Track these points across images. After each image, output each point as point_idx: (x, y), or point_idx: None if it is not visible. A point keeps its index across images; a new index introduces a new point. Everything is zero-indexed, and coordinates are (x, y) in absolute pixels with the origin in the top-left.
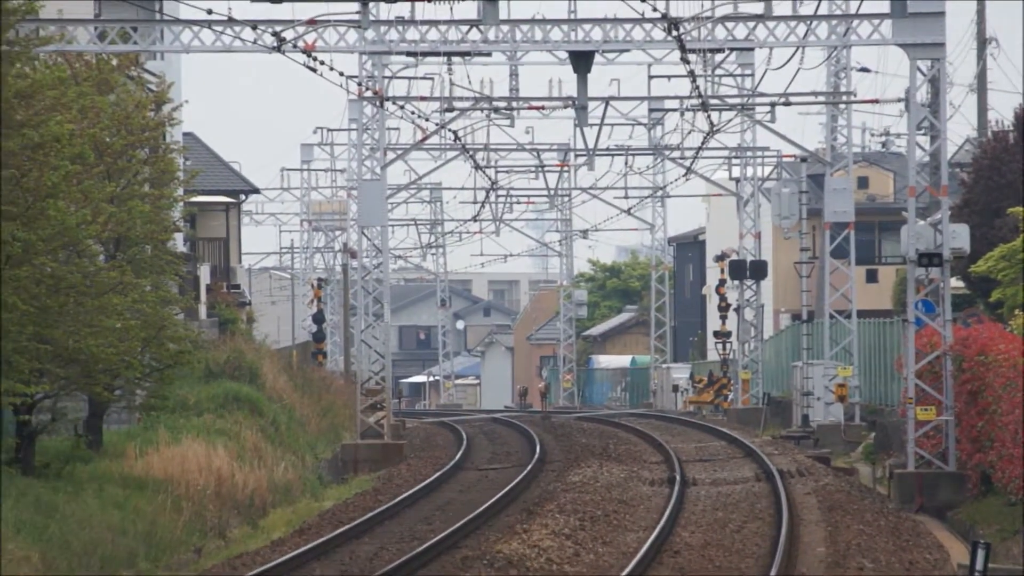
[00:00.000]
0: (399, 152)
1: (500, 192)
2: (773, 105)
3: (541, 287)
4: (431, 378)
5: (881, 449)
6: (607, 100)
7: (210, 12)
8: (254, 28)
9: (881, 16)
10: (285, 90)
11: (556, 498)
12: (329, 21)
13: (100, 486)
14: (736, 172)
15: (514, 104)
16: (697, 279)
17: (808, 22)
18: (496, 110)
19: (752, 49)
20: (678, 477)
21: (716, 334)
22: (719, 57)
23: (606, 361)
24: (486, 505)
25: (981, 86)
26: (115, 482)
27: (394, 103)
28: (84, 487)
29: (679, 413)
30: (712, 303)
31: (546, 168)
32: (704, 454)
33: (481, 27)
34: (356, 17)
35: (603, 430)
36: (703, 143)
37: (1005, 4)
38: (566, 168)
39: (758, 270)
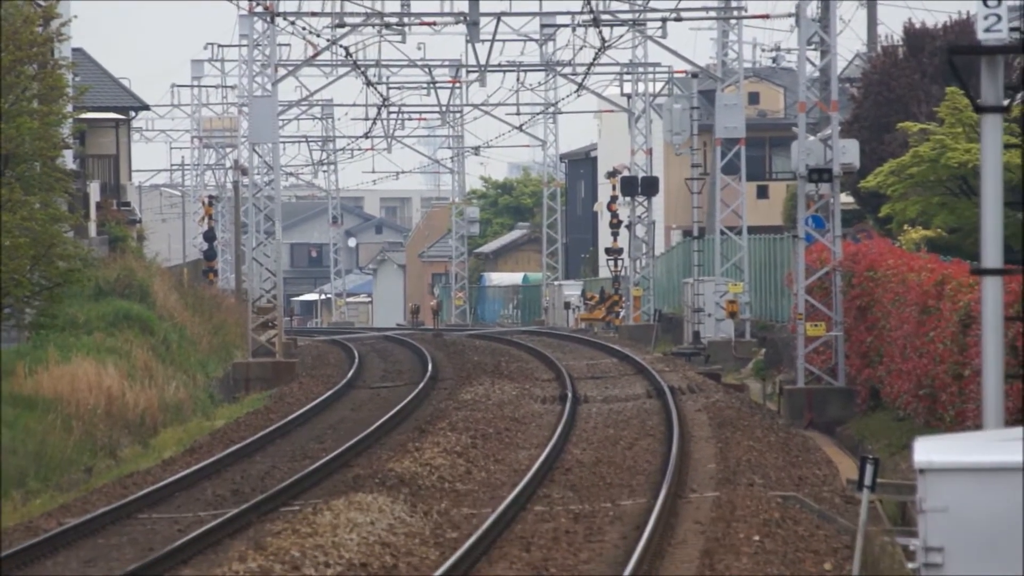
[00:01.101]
0: (290, 68)
1: (392, 109)
2: (664, 20)
3: (433, 204)
4: (323, 296)
5: (771, 365)
6: (499, 16)
7: None
8: None
9: None
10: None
11: (448, 416)
12: None
13: None
14: (628, 88)
15: (406, 20)
16: (589, 196)
17: None
18: (388, 26)
19: None
20: (570, 394)
21: (608, 251)
22: None
23: (498, 279)
24: (378, 423)
25: (871, 0)
26: (4, 401)
27: (285, 19)
28: None
29: (571, 330)
30: (604, 220)
31: (438, 84)
32: (596, 371)
33: None
34: None
35: (495, 348)
36: (595, 59)
37: None
38: (458, 84)
39: (649, 186)
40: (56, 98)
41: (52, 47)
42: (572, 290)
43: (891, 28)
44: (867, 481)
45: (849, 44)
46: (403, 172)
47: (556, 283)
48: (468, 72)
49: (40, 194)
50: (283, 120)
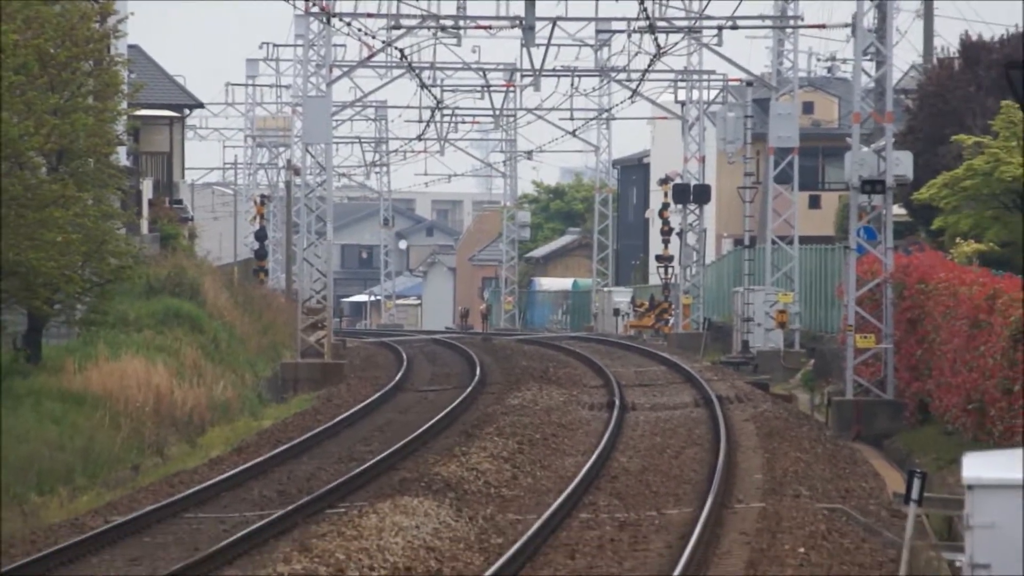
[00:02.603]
0: (345, 69)
1: (445, 111)
2: (720, 28)
3: (484, 208)
4: (372, 298)
5: (820, 376)
6: (555, 20)
7: None
8: None
9: None
10: (232, 4)
11: (495, 421)
12: None
13: (38, 400)
14: (682, 95)
15: (461, 23)
16: (640, 202)
17: None
18: (443, 28)
19: None
20: (617, 402)
21: (658, 258)
22: None
23: (548, 283)
24: (425, 427)
25: (927, 12)
26: (53, 397)
27: (341, 20)
28: (22, 401)
29: (620, 337)
30: (655, 227)
31: (492, 88)
32: (644, 379)
33: None
34: None
35: (543, 353)
36: (650, 65)
37: None
38: (512, 88)
39: (702, 194)
40: (111, 95)
41: (108, 44)
42: (622, 297)
43: (947, 40)
44: (914, 495)
45: (905, 55)
46: (455, 175)
47: (606, 289)
48: (522, 76)
49: (93, 190)
50: (336, 121)
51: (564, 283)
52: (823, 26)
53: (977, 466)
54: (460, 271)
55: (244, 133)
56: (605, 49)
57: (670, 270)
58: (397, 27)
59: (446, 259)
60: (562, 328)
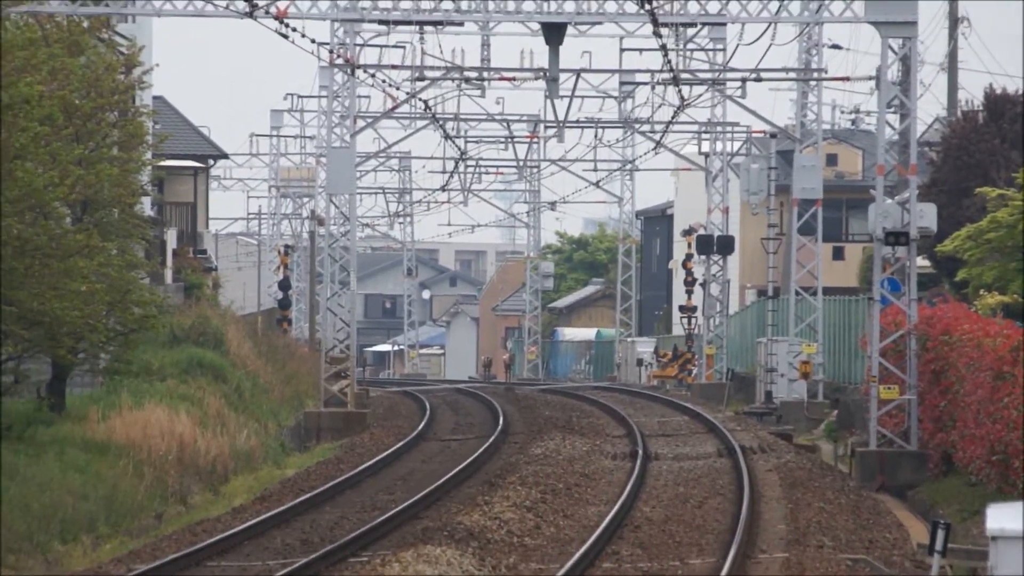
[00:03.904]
0: (369, 120)
1: (469, 162)
2: (744, 80)
3: (508, 258)
4: (396, 347)
5: (843, 427)
6: (578, 72)
7: None
8: None
9: None
10: (256, 56)
11: (518, 470)
12: None
13: (62, 449)
14: (705, 147)
15: (485, 74)
16: (664, 253)
17: None
18: (467, 80)
19: (724, 24)
20: (640, 451)
21: (682, 308)
22: (691, 31)
23: (571, 333)
24: (448, 476)
25: (952, 65)
26: (77, 446)
27: (365, 71)
28: (46, 450)
29: (643, 387)
30: (678, 277)
31: (515, 139)
32: (667, 429)
33: None
34: None
35: (566, 403)
36: (673, 117)
37: None
38: (535, 139)
39: (725, 245)
40: (136, 145)
41: (133, 95)
42: (645, 347)
43: (971, 93)
44: (938, 546)
45: (929, 108)
46: (479, 225)
47: (629, 339)
48: (546, 127)
49: (118, 240)
50: (360, 171)
51: (587, 333)
52: (847, 79)
53: (1001, 517)
54: (483, 321)
55: (268, 183)
56: (629, 101)
57: (693, 320)
58: (421, 78)
59: (469, 309)
60: (585, 378)
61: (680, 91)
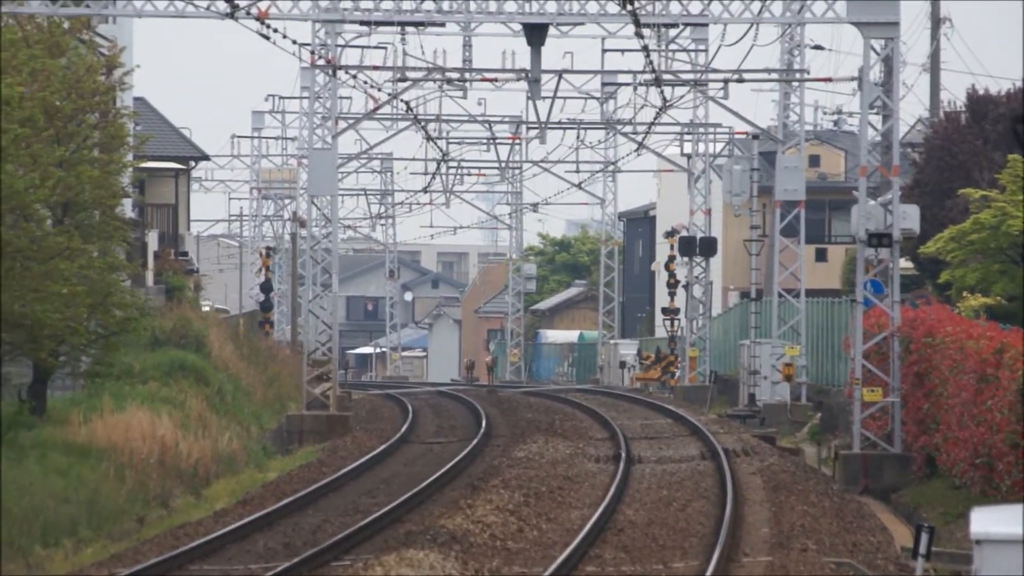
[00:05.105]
0: (351, 121)
1: (451, 163)
2: (726, 81)
3: (490, 260)
4: (378, 350)
5: (827, 430)
6: (560, 73)
7: None
8: None
9: None
10: (237, 57)
11: (501, 473)
12: None
13: (43, 452)
14: (688, 148)
15: (467, 75)
16: (647, 255)
17: None
18: (449, 81)
19: (706, 25)
20: (623, 454)
21: (664, 311)
22: (673, 32)
23: (554, 336)
24: (431, 479)
25: (934, 66)
26: (58, 449)
27: (346, 72)
28: (27, 453)
29: (626, 390)
30: (661, 279)
31: (498, 140)
32: (650, 431)
33: None
34: None
35: (549, 405)
36: (655, 118)
37: None
38: (518, 141)
39: (708, 247)
40: (117, 147)
41: (114, 96)
42: (628, 349)
43: (954, 94)
44: (922, 549)
45: (911, 109)
46: (461, 227)
47: (612, 342)
48: (528, 128)
49: (99, 242)
50: (342, 173)
51: (570, 335)
52: (829, 80)
53: (985, 521)
54: (466, 323)
55: (249, 185)
56: (611, 102)
57: (676, 323)
58: (403, 79)
59: (452, 311)
60: (568, 380)
61: (662, 92)
